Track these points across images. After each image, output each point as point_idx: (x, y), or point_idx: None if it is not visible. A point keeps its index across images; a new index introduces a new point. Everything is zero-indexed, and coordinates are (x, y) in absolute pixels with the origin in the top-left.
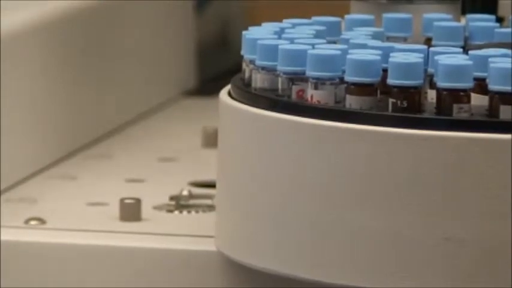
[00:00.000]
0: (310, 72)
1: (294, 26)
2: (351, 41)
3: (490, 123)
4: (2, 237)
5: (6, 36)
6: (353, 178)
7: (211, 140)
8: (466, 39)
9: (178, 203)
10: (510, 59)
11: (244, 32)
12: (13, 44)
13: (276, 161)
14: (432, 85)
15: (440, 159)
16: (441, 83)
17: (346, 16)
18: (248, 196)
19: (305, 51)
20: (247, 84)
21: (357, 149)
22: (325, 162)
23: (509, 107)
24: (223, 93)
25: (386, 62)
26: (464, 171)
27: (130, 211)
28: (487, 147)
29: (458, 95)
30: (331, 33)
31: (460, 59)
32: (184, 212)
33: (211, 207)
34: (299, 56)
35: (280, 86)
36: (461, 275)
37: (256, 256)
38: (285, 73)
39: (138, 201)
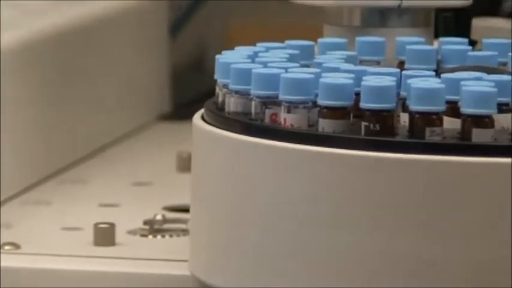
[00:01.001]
0: (283, 96)
1: (267, 49)
2: (324, 64)
3: (462, 146)
4: None
5: None
6: (326, 201)
7: (185, 164)
8: (438, 63)
9: (153, 228)
10: (482, 82)
11: (217, 56)
12: None
13: (250, 185)
14: (405, 108)
15: (413, 182)
16: (413, 106)
17: (320, 40)
18: (222, 220)
19: (278, 75)
20: (221, 108)
21: (330, 172)
22: (298, 185)
23: (482, 130)
24: (197, 118)
25: (359, 85)
26: (437, 194)
27: (104, 236)
28: (459, 170)
29: (431, 118)
30: (305, 57)
31: (432, 82)
32: (159, 237)
33: (185, 232)
34: (272, 80)
35: (253, 110)
36: None
37: (231, 280)
38: (258, 97)
39: (112, 226)
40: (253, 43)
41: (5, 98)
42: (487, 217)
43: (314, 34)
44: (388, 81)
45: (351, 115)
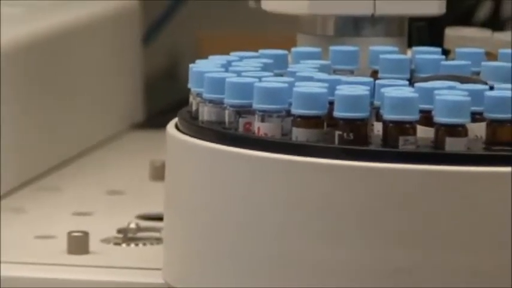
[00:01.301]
0: (257, 105)
1: (241, 59)
2: (298, 73)
3: (435, 155)
4: None
5: None
6: (299, 209)
7: (159, 173)
8: (412, 72)
9: (126, 236)
10: (456, 91)
11: (191, 65)
12: None
13: (224, 193)
14: (378, 117)
15: (387, 190)
16: (387, 115)
17: (293, 49)
18: (196, 229)
19: (252, 84)
20: (195, 117)
21: (304, 181)
22: (272, 194)
23: (455, 139)
24: (171, 126)
25: (333, 94)
26: (410, 203)
27: (78, 244)
28: (433, 179)
29: (404, 127)
30: (278, 66)
31: (405, 91)
32: (132, 245)
33: (158, 240)
34: (246, 89)
35: (227, 119)
36: None
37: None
38: (232, 106)
39: (85, 234)
40: (226, 52)
41: None
42: (462, 223)
43: (288, 43)
44: (362, 90)
45: (325, 124)
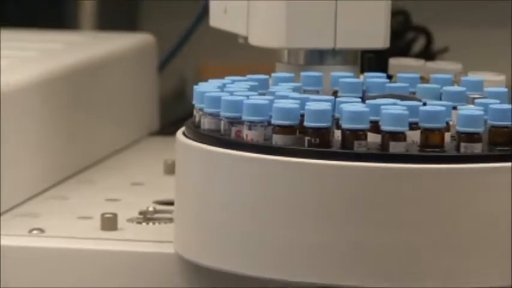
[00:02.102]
0: (245, 117)
1: (233, 82)
2: (277, 93)
3: (382, 155)
4: (10, 243)
5: (13, 89)
6: (278, 199)
7: (171, 169)
8: (364, 92)
9: (146, 217)
10: (397, 106)
11: (195, 87)
12: (18, 95)
13: (219, 185)
14: (338, 126)
15: (344, 182)
16: (345, 125)
17: (273, 74)
18: (198, 211)
19: (241, 101)
20: (197, 126)
21: (281, 175)
22: (256, 186)
23: (397, 143)
24: (179, 133)
25: (304, 109)
26: (363, 192)
27: (109, 223)
28: (380, 174)
29: (358, 134)
30: (262, 87)
31: (359, 106)
32: (150, 224)
33: (170, 220)
34: (237, 105)
35: (222, 128)
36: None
37: (202, 255)
38: (226, 118)
39: (115, 216)
40: (221, 77)
41: (35, 122)
42: (401, 208)
43: (269, 70)
44: (325, 105)
45: (297, 132)
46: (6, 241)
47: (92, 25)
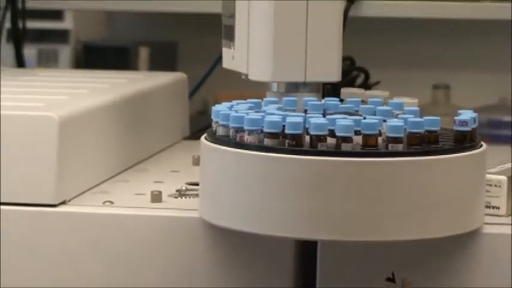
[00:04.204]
0: (246, 127)
1: (238, 104)
2: (267, 111)
3: (336, 152)
4: (90, 211)
5: (98, 108)
6: (269, 178)
7: (197, 161)
8: (324, 110)
9: (181, 193)
10: (347, 119)
11: (213, 107)
12: (102, 112)
13: (228, 172)
14: (308, 133)
15: (312, 170)
16: (312, 132)
17: (264, 99)
18: (213, 187)
19: (243, 116)
20: (214, 133)
21: (271, 166)
22: (254, 172)
23: (347, 144)
24: (203, 138)
25: (285, 121)
26: (325, 176)
27: (156, 197)
28: (335, 165)
29: (321, 138)
30: (257, 108)
31: (321, 120)
32: (184, 198)
33: (197, 195)
34: (240, 119)
35: (231, 134)
36: None
37: (220, 219)
38: (233, 127)
39: (160, 193)
40: (230, 100)
41: (109, 131)
42: (350, 189)
43: (262, 96)
44: (299, 119)
45: (281, 137)
46: (88, 209)
47: (146, 66)
